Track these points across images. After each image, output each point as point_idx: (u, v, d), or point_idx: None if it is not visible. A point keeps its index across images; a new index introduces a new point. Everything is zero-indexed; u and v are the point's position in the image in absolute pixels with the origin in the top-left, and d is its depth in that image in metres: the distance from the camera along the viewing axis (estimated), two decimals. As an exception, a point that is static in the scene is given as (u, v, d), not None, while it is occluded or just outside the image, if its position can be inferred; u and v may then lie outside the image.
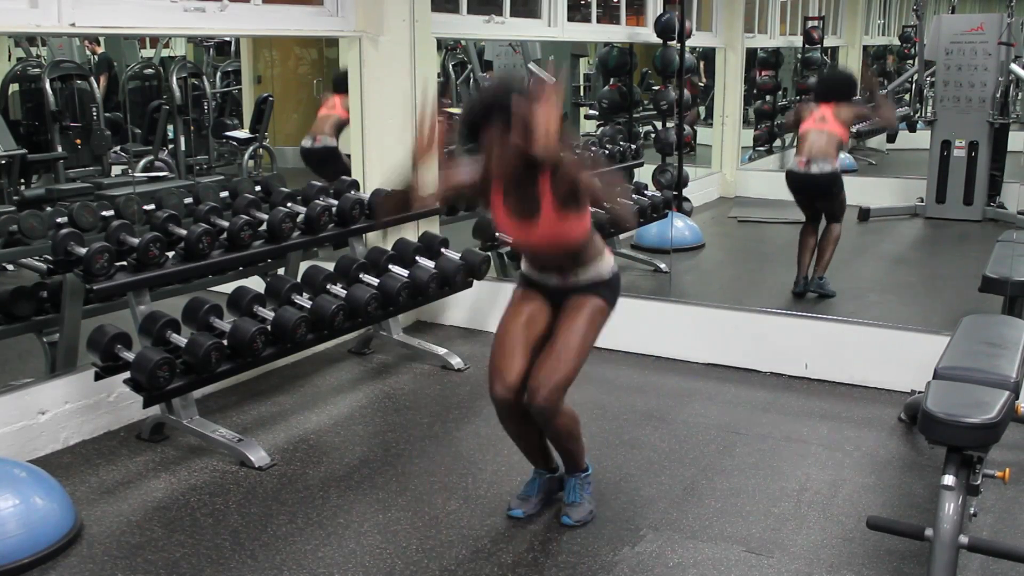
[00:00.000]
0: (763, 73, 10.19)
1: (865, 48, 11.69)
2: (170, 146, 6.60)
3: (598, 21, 7.15)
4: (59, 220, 4.06)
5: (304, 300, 4.01)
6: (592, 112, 8.92)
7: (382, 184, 4.76)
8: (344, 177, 4.93)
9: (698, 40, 8.49)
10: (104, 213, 4.07)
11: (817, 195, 5.52)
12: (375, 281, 4.29)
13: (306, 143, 6.59)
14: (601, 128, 8.06)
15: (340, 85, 5.75)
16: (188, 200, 4.41)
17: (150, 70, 7.17)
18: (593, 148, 6.35)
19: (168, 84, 6.58)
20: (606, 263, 2.99)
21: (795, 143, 5.70)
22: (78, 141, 6.35)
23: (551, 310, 3.01)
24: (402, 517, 3.16)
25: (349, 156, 5.20)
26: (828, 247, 5.61)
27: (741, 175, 9.32)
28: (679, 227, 6.67)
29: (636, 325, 4.80)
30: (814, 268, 5.65)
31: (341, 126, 6.22)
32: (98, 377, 3.51)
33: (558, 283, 2.99)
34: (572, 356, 2.87)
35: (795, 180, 5.52)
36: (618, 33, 7.51)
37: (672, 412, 4.08)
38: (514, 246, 3.04)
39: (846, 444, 3.75)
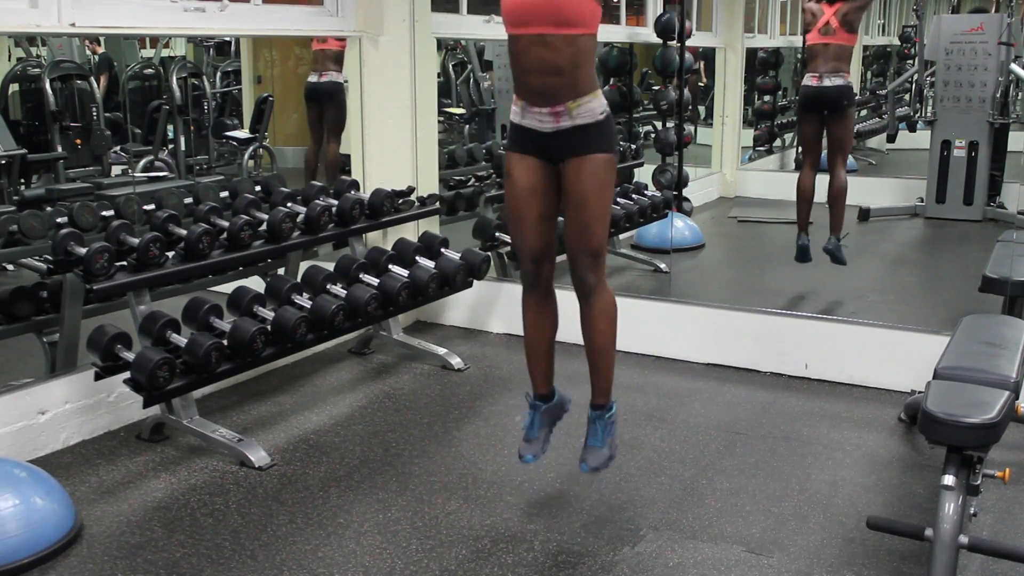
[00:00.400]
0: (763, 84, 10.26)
1: (865, 48, 11.69)
2: (170, 146, 6.60)
3: (598, 21, 7.14)
4: (59, 220, 4.06)
5: (304, 300, 4.01)
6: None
7: (382, 183, 4.77)
8: (344, 177, 4.93)
9: (698, 40, 8.49)
10: (104, 213, 4.07)
11: (828, 109, 5.50)
12: (375, 281, 4.29)
13: (312, 78, 6.60)
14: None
15: None
16: (188, 200, 4.41)
17: (150, 70, 7.17)
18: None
19: (168, 84, 6.57)
20: (599, 101, 2.82)
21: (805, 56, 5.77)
22: (78, 141, 6.35)
23: (552, 169, 2.87)
24: (402, 517, 3.16)
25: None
26: (838, 201, 5.58)
27: (741, 175, 9.32)
28: (679, 227, 6.67)
29: (636, 325, 4.79)
30: (830, 230, 5.62)
31: (340, 58, 6.24)
32: (98, 377, 3.51)
33: (552, 125, 2.80)
34: (598, 221, 2.84)
35: (807, 94, 5.54)
36: (618, 33, 7.51)
37: (672, 412, 4.08)
38: (505, 11, 2.81)
39: (846, 444, 3.75)
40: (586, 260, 2.87)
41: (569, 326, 3.08)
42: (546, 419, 3.15)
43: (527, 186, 2.89)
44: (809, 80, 5.54)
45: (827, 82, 5.44)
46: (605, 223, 2.88)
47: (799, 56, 10.12)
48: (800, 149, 5.90)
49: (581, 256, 2.87)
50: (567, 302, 3.04)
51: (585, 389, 3.06)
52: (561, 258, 2.97)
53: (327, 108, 6.53)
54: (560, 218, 2.95)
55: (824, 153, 5.74)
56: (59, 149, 6.20)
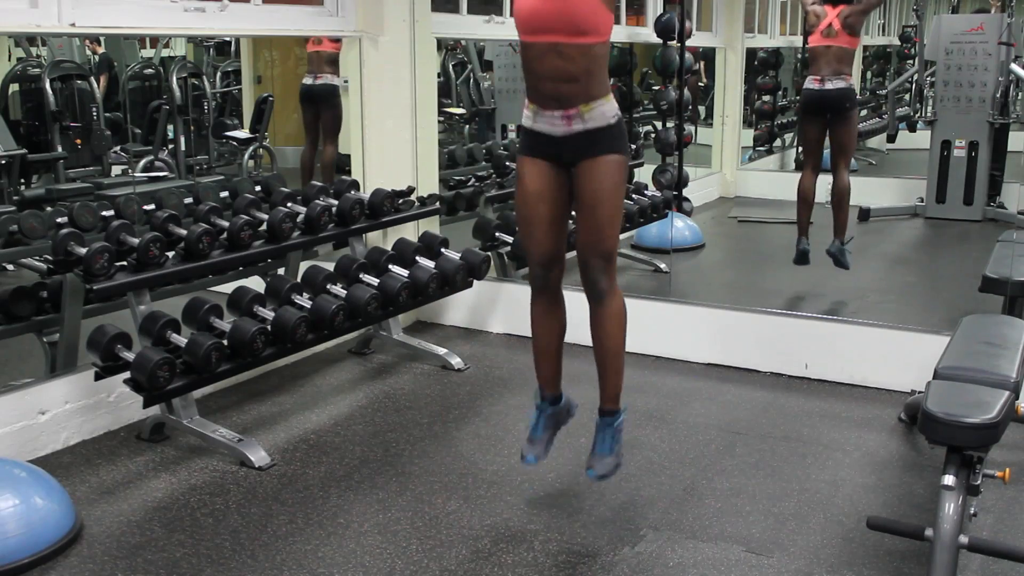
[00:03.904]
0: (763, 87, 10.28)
1: (865, 48, 11.69)
2: (170, 146, 6.60)
3: (598, 21, 7.14)
4: (59, 220, 4.06)
5: (304, 300, 4.01)
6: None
7: (382, 183, 4.77)
8: (344, 177, 4.93)
9: (698, 40, 8.49)
10: (104, 213, 4.07)
11: (831, 112, 5.49)
12: (375, 281, 4.29)
13: (307, 80, 6.61)
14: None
15: None
16: (188, 200, 4.41)
17: (150, 70, 7.17)
18: None
19: (168, 84, 6.57)
20: (611, 105, 2.82)
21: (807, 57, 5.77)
22: (78, 141, 6.35)
23: (564, 173, 2.88)
24: (402, 517, 3.16)
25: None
26: (842, 204, 5.57)
27: (741, 175, 9.32)
28: (679, 227, 6.67)
29: (636, 325, 4.76)
30: (834, 233, 5.61)
31: (336, 60, 6.25)
32: (98, 377, 3.51)
33: (564, 129, 2.81)
34: (610, 224, 2.84)
35: (809, 97, 5.53)
36: (618, 33, 7.50)
37: (672, 412, 4.08)
38: (519, 19, 2.82)
39: (846, 444, 3.75)
40: (598, 263, 2.87)
41: (575, 329, 3.08)
42: (551, 422, 3.16)
43: (538, 190, 2.89)
44: (811, 83, 5.54)
45: (829, 85, 5.44)
46: (617, 226, 2.89)
47: (799, 56, 10.13)
48: (801, 151, 5.89)
49: (593, 259, 2.87)
50: (574, 304, 3.04)
51: (588, 390, 3.06)
52: (570, 255, 2.98)
53: (323, 110, 6.55)
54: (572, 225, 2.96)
55: (827, 155, 5.74)
56: (59, 149, 6.21)
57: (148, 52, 7.46)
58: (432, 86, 5.30)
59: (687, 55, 7.09)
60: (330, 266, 4.33)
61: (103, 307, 4.14)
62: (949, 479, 2.60)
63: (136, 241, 3.64)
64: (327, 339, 4.13)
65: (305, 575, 2.82)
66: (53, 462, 3.54)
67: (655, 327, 4.79)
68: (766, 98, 10.23)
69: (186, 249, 3.76)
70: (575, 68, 2.74)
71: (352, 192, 4.65)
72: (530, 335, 3.13)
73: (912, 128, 8.91)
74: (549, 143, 2.85)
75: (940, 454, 2.87)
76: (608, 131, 2.82)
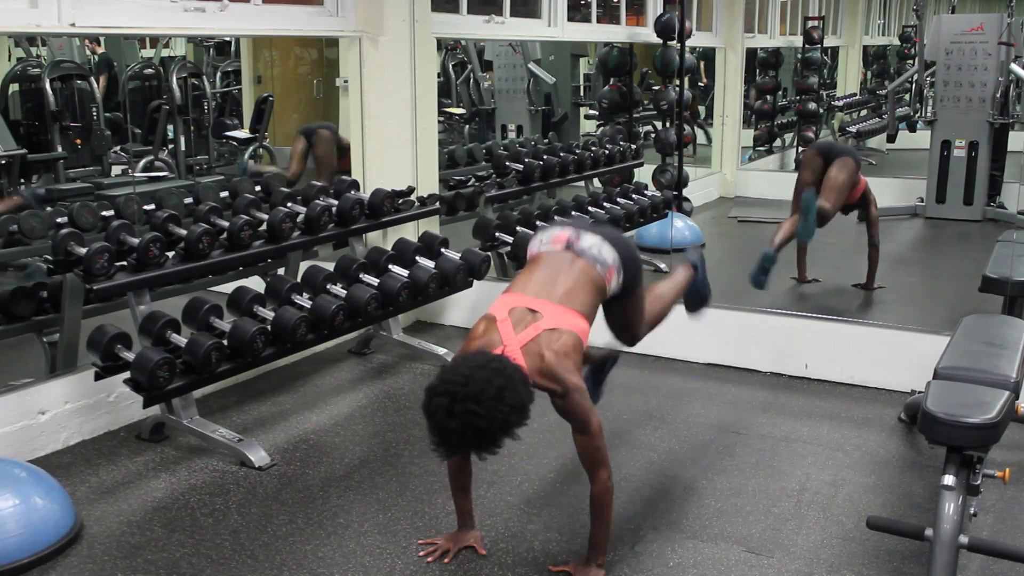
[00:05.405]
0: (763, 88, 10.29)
1: (865, 48, 11.71)
2: (170, 146, 6.60)
3: (598, 21, 7.15)
4: (59, 220, 4.06)
5: (304, 300, 4.01)
6: (592, 112, 8.93)
7: (382, 183, 4.77)
8: (344, 177, 4.93)
9: (698, 40, 8.50)
10: (104, 213, 4.07)
11: (835, 155, 5.45)
12: (375, 281, 4.29)
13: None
14: (601, 128, 8.07)
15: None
16: (188, 200, 4.41)
17: (150, 70, 7.18)
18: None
19: (168, 84, 6.58)
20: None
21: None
22: (78, 141, 6.36)
23: None
24: (402, 517, 3.16)
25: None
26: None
27: (741, 175, 9.32)
28: (679, 227, 6.67)
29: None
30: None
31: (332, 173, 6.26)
32: (98, 377, 3.51)
33: None
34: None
35: (816, 144, 5.49)
36: (618, 33, 7.51)
37: (672, 412, 4.08)
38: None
39: (846, 444, 3.75)
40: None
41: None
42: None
43: None
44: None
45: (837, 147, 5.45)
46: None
47: (799, 56, 10.13)
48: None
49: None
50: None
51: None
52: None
53: (318, 146, 6.38)
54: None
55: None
56: (59, 149, 6.21)
57: (148, 52, 7.47)
58: (432, 86, 5.30)
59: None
60: (330, 266, 4.33)
61: (103, 307, 4.14)
62: (949, 479, 2.60)
63: (136, 241, 3.64)
64: (327, 339, 4.13)
65: (305, 575, 2.82)
66: (53, 462, 3.54)
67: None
68: (767, 98, 10.24)
69: (186, 249, 3.75)
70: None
71: (352, 192, 4.65)
72: None
73: (912, 128, 8.92)
74: None
75: (940, 454, 2.88)
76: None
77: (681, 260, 3.52)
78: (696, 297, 3.56)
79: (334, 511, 3.20)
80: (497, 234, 5.20)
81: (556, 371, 2.56)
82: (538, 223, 5.31)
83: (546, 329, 2.61)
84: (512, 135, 8.39)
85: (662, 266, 6.21)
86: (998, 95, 7.68)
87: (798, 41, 10.17)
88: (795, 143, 10.15)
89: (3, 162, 5.61)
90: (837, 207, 5.34)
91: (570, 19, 6.58)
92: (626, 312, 3.04)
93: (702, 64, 10.13)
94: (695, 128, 9.11)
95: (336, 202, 4.49)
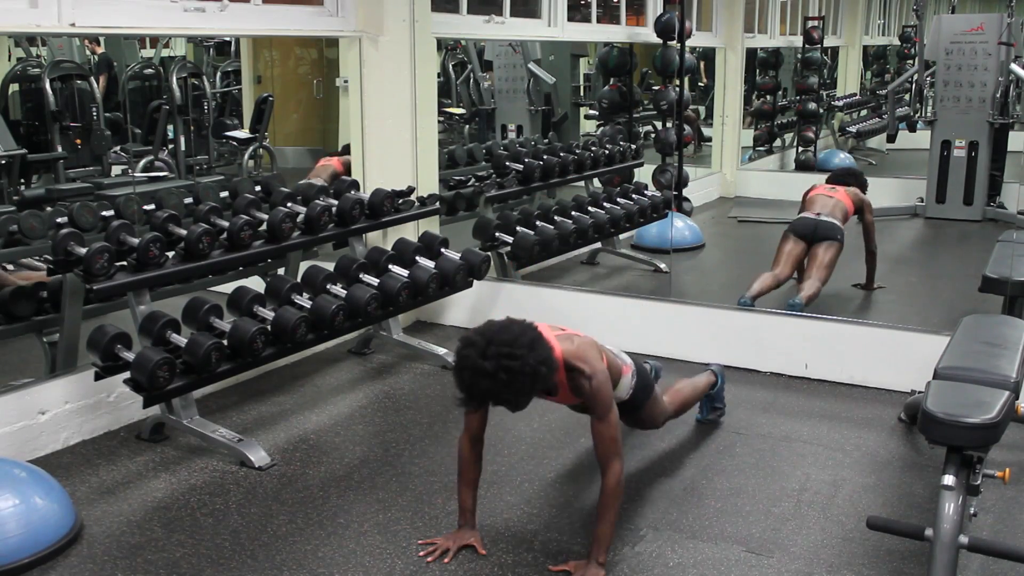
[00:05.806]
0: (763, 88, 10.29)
1: (865, 48, 11.71)
2: (170, 146, 6.60)
3: (598, 21, 7.16)
4: (59, 220, 4.06)
5: (304, 300, 4.01)
6: (592, 112, 8.93)
7: (382, 183, 4.77)
8: (344, 177, 4.93)
9: (698, 40, 8.50)
10: (104, 213, 4.07)
11: (819, 238, 5.37)
12: (375, 281, 4.29)
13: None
14: (601, 128, 8.07)
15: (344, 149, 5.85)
16: (188, 200, 4.41)
17: (150, 70, 7.18)
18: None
19: (168, 84, 6.58)
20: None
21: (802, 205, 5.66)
22: (78, 141, 6.35)
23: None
24: (402, 517, 3.16)
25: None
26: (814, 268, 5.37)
27: (741, 175, 9.33)
28: (679, 227, 6.68)
29: (636, 325, 4.80)
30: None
31: (335, 177, 6.25)
32: (98, 377, 3.51)
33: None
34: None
35: (800, 223, 5.43)
36: (618, 33, 7.51)
37: (672, 412, 4.08)
38: None
39: (846, 444, 3.75)
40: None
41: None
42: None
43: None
44: (805, 213, 5.46)
45: (824, 217, 5.38)
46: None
47: (799, 56, 10.13)
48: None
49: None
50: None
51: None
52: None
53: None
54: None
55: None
56: (59, 149, 6.21)
57: (148, 52, 7.47)
58: (432, 86, 5.30)
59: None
60: (330, 266, 4.33)
61: (103, 307, 4.14)
62: (949, 479, 2.59)
63: (136, 241, 3.64)
64: (327, 339, 4.13)
65: (305, 575, 2.82)
66: (53, 462, 3.54)
67: (655, 327, 4.79)
68: (767, 98, 10.24)
69: (186, 249, 3.75)
70: None
71: (352, 192, 4.65)
72: None
73: (912, 128, 8.92)
74: None
75: (940, 454, 2.88)
76: None
77: (706, 369, 3.90)
78: (710, 405, 3.93)
79: (334, 511, 3.20)
80: (497, 234, 5.20)
81: (586, 353, 2.82)
82: (538, 223, 5.31)
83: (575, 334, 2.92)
84: (512, 135, 8.39)
85: (662, 266, 6.22)
86: (998, 95, 7.68)
87: (798, 41, 10.17)
88: (795, 143, 10.15)
89: (3, 162, 5.61)
90: (827, 281, 5.32)
91: (570, 19, 6.58)
92: (641, 417, 3.37)
93: (702, 64, 10.13)
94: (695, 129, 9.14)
95: (336, 202, 4.49)
